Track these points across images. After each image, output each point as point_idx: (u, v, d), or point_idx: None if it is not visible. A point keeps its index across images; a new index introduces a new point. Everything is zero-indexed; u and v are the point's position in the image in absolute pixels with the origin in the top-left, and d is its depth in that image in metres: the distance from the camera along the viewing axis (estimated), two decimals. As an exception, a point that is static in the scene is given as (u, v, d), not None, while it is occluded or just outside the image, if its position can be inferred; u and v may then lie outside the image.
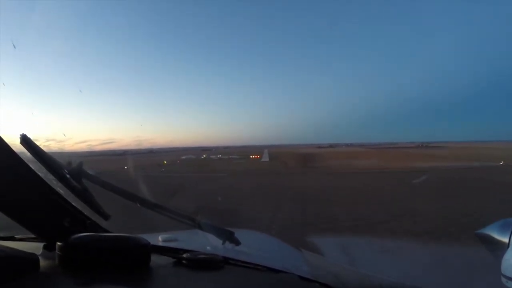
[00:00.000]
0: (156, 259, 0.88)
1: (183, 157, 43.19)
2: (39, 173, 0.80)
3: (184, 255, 0.88)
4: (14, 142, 0.80)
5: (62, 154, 0.94)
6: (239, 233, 1.13)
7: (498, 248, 0.74)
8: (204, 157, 45.54)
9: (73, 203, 0.88)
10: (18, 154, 0.76)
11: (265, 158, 45.55)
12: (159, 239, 1.14)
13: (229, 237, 1.09)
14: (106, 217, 0.97)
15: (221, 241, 1.09)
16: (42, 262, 0.74)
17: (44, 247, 0.84)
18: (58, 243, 0.79)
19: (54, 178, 0.87)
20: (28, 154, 0.85)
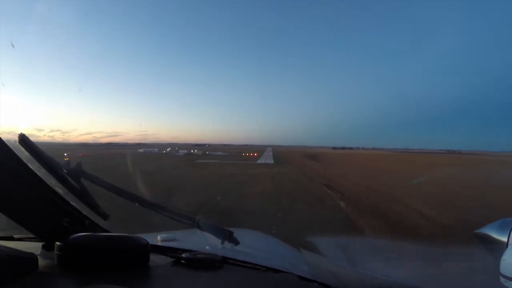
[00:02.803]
0: (155, 259, 0.88)
1: (141, 150, 38.54)
2: (38, 173, 0.80)
3: (183, 255, 0.88)
4: (13, 141, 0.80)
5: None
6: (238, 233, 1.13)
7: (497, 248, 0.74)
8: (165, 152, 39.36)
9: (72, 203, 0.88)
10: (17, 153, 0.76)
11: (266, 159, 30.03)
12: (158, 238, 1.14)
13: (228, 237, 1.09)
14: (105, 217, 0.97)
15: (220, 241, 1.09)
16: (41, 262, 0.74)
17: (43, 247, 0.84)
18: (57, 243, 0.79)
19: (52, 177, 0.87)
20: (27, 153, 0.84)
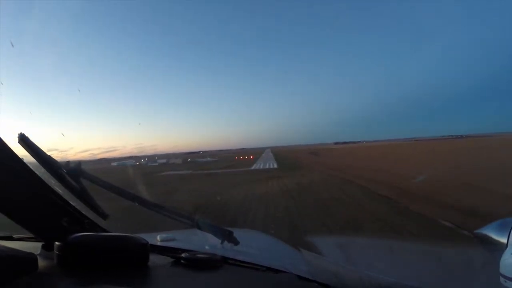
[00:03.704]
0: (154, 259, 0.87)
1: (114, 164, 35.24)
2: (37, 173, 0.80)
3: (183, 255, 0.88)
4: (12, 141, 0.80)
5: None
6: (238, 233, 1.13)
7: (497, 248, 0.74)
8: (138, 164, 34.91)
9: (71, 203, 0.88)
10: (16, 153, 0.76)
11: (266, 162, 21.87)
12: (157, 238, 1.14)
13: (228, 237, 1.09)
14: (104, 216, 0.97)
15: (219, 241, 1.09)
16: (41, 262, 0.74)
17: (43, 247, 0.84)
18: (57, 243, 0.79)
19: (52, 177, 0.87)
20: (26, 153, 0.84)
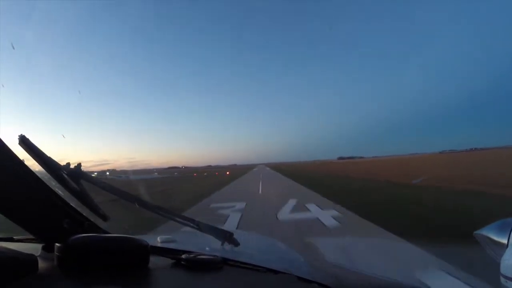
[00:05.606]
0: (155, 260, 0.87)
1: None
2: (38, 174, 0.80)
3: (183, 256, 0.88)
4: (13, 143, 0.80)
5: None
6: (238, 234, 1.13)
7: (497, 249, 0.74)
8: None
9: (71, 204, 0.88)
10: (17, 155, 0.76)
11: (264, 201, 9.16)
12: (158, 240, 1.14)
13: (228, 238, 1.09)
14: (105, 218, 0.97)
15: (220, 242, 1.09)
16: (41, 263, 0.74)
17: (43, 248, 0.84)
18: (57, 244, 0.79)
19: (52, 179, 0.87)
20: (27, 155, 0.85)
